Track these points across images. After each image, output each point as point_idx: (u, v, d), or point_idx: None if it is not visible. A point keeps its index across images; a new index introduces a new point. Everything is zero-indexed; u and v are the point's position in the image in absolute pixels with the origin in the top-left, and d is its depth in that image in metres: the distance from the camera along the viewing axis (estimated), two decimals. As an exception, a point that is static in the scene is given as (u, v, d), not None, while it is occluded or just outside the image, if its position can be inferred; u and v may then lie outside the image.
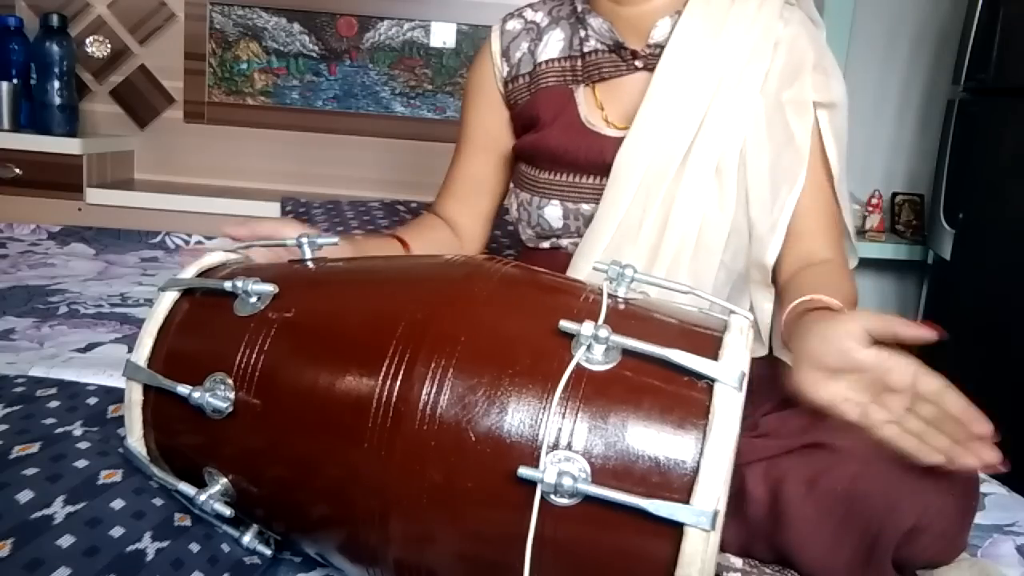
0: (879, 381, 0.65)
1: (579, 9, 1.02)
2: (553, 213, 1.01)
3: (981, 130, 1.97)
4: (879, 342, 0.65)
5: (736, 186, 0.94)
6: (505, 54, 1.07)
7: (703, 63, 0.95)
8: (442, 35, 2.34)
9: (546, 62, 1.04)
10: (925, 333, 0.65)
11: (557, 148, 1.00)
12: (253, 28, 2.34)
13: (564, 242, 1.03)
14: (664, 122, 0.94)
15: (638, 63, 0.99)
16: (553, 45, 1.04)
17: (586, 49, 1.01)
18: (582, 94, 1.02)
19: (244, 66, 2.35)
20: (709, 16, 0.96)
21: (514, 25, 1.08)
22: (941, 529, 0.72)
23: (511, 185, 1.10)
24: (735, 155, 0.94)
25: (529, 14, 1.08)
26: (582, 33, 1.01)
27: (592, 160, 0.98)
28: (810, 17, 1.01)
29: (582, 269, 0.97)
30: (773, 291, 0.96)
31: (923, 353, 0.65)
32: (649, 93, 0.95)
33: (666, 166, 0.94)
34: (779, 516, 0.73)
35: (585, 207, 0.99)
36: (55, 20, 2.08)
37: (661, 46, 0.97)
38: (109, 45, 2.32)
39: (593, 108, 1.01)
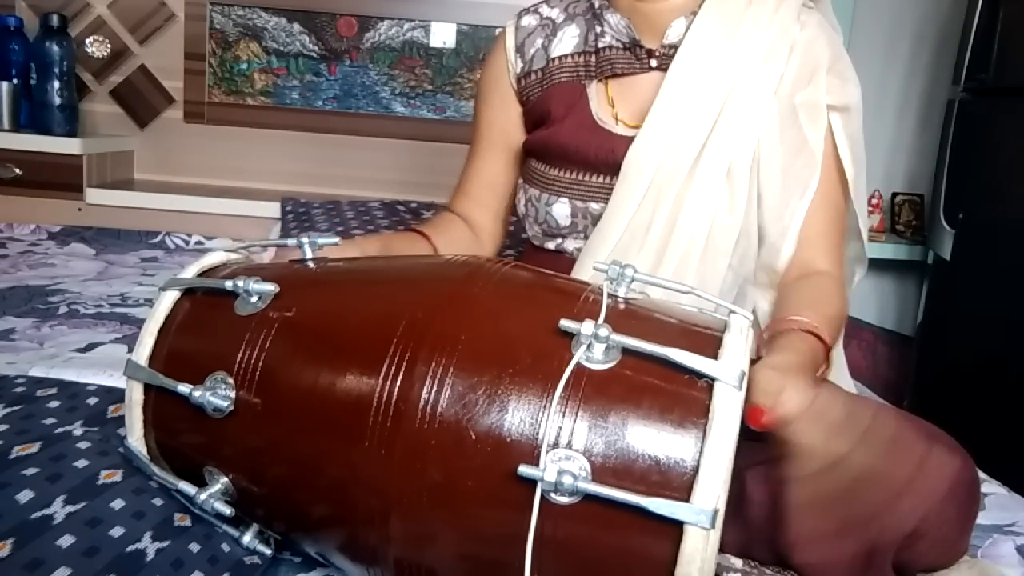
0: None
1: (596, 5, 1.01)
2: (561, 211, 1.00)
3: (981, 130, 1.97)
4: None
5: (747, 190, 0.93)
6: (519, 50, 1.06)
7: (717, 64, 0.94)
8: (442, 35, 2.34)
9: (559, 58, 1.03)
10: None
11: (568, 144, 0.99)
12: (253, 28, 2.34)
13: (569, 245, 1.02)
14: (676, 122, 0.94)
15: (652, 62, 0.98)
16: (567, 41, 1.03)
17: (601, 45, 1.00)
18: (594, 90, 1.01)
19: (244, 66, 2.35)
20: (724, 17, 0.95)
21: (529, 21, 1.07)
22: (942, 534, 0.72)
23: (520, 180, 1.08)
24: (747, 158, 0.93)
25: (545, 10, 1.07)
26: (598, 29, 1.00)
27: (603, 158, 0.97)
28: (827, 19, 1.00)
29: (588, 268, 0.95)
30: (776, 294, 0.95)
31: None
32: (662, 92, 0.95)
33: (677, 167, 0.93)
34: (779, 520, 0.73)
35: (594, 206, 0.98)
36: (55, 20, 2.08)
37: (675, 46, 0.96)
38: (109, 45, 2.32)
39: (604, 105, 1.00)
